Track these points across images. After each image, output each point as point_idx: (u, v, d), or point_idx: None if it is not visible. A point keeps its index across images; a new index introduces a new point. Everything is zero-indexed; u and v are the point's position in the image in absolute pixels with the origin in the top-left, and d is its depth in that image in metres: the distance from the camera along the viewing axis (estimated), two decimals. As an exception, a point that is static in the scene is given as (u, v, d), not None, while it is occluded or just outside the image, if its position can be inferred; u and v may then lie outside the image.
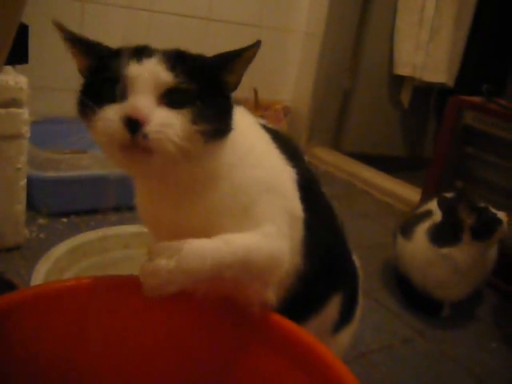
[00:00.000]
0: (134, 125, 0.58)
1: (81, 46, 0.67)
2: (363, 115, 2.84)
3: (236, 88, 0.68)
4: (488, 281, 1.59)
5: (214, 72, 0.66)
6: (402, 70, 2.70)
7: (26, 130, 1.35)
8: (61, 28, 0.66)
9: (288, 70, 2.74)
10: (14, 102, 1.30)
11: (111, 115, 0.59)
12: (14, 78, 1.30)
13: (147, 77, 0.60)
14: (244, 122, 0.73)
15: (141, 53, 0.62)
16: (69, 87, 2.00)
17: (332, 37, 2.63)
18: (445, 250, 1.44)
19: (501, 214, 1.42)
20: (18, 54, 1.30)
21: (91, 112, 0.61)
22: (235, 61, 0.66)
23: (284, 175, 0.75)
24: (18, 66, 1.36)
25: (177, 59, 0.63)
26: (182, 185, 0.66)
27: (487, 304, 1.63)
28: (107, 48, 0.67)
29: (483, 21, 2.78)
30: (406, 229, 1.59)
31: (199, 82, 0.62)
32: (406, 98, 2.82)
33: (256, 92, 2.53)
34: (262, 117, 2.51)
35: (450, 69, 2.71)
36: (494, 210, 1.42)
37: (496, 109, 1.79)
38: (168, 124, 0.59)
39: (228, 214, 0.68)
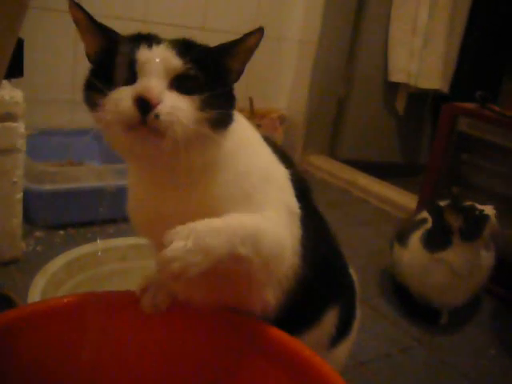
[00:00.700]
0: (145, 105, 0.58)
1: (94, 27, 0.67)
2: (358, 122, 2.85)
3: (238, 78, 0.70)
4: (486, 287, 1.60)
5: (219, 58, 0.67)
6: (396, 77, 2.71)
7: (21, 144, 1.35)
8: (76, 7, 0.66)
9: (283, 79, 2.75)
10: (10, 116, 1.31)
11: (122, 95, 0.60)
12: (10, 93, 1.30)
13: (158, 61, 0.61)
14: (241, 121, 0.74)
15: (150, 39, 0.64)
16: (64, 99, 2.02)
17: (326, 45, 2.64)
18: (438, 255, 1.44)
19: (488, 209, 1.42)
20: (14, 68, 1.30)
21: (99, 95, 0.61)
22: (238, 46, 0.67)
23: (279, 172, 0.77)
24: (13, 80, 1.36)
25: (185, 47, 0.64)
26: (185, 172, 0.66)
27: (485, 311, 1.64)
28: (118, 33, 0.67)
29: (477, 27, 2.80)
30: (403, 236, 1.60)
31: (206, 71, 0.64)
32: (400, 104, 2.83)
33: (251, 101, 2.53)
34: (258, 125, 2.52)
35: (445, 75, 2.72)
36: (480, 207, 1.43)
37: (490, 115, 1.79)
38: (178, 107, 0.60)
39: (230, 201, 0.69)
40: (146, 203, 0.72)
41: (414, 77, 2.67)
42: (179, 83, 0.62)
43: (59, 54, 1.98)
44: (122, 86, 0.61)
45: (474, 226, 1.40)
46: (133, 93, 0.59)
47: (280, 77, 2.74)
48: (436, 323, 1.51)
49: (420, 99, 2.90)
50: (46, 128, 1.91)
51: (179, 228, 0.62)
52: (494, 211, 1.42)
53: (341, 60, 2.75)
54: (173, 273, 0.60)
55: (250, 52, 0.68)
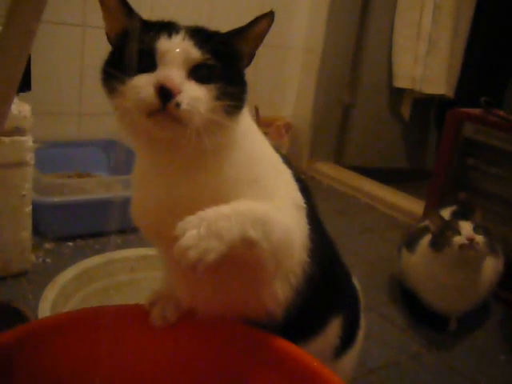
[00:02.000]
0: (166, 93, 0.61)
1: (122, 7, 0.69)
2: (364, 129, 2.85)
3: (250, 63, 0.73)
4: (494, 293, 1.59)
5: (232, 43, 0.70)
6: (401, 82, 2.71)
7: (30, 158, 1.36)
8: None
9: (288, 87, 2.76)
10: (18, 130, 1.32)
11: (143, 83, 0.62)
12: (18, 107, 1.32)
13: (178, 51, 0.64)
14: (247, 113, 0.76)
15: (170, 28, 0.66)
16: (71, 111, 2.04)
17: (331, 52, 2.65)
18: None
19: (465, 228, 1.36)
20: (22, 82, 1.32)
21: (118, 81, 0.64)
22: (250, 29, 0.70)
23: (284, 167, 0.78)
24: (21, 94, 1.37)
25: (202, 37, 0.66)
26: (197, 154, 0.67)
27: (494, 316, 1.63)
28: (141, 18, 0.69)
29: (481, 31, 2.80)
30: (411, 242, 1.60)
31: (222, 59, 0.66)
32: (406, 110, 2.83)
33: (257, 109, 2.54)
34: (263, 134, 2.53)
35: (449, 80, 2.72)
36: (460, 226, 1.37)
37: (495, 120, 1.79)
38: (197, 97, 0.63)
39: (240, 183, 0.70)
40: (156, 193, 0.72)
41: (418, 82, 2.67)
42: (197, 72, 0.64)
43: (66, 67, 2.00)
44: (142, 72, 0.63)
45: (439, 240, 1.41)
46: (154, 81, 0.62)
47: (285, 85, 2.75)
48: (445, 330, 1.51)
49: (425, 104, 2.90)
50: (54, 140, 1.92)
51: (189, 218, 0.62)
52: (467, 235, 1.34)
53: (345, 67, 2.76)
54: (190, 261, 0.60)
55: (262, 36, 0.71)
